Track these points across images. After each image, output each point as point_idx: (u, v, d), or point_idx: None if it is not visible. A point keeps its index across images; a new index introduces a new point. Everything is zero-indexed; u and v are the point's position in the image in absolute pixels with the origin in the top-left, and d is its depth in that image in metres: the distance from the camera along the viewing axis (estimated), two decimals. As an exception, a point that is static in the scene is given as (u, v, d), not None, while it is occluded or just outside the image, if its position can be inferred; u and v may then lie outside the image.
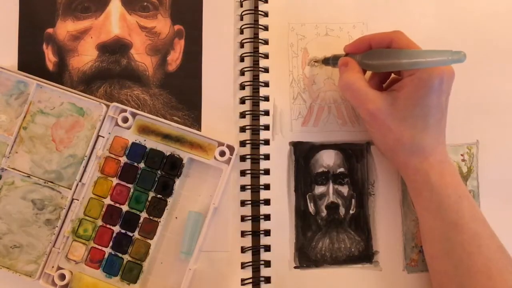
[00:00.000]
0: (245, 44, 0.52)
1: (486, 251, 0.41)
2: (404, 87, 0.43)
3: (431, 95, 0.42)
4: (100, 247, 0.48)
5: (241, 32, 0.52)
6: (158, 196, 0.48)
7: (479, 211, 0.43)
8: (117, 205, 0.48)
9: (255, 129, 0.51)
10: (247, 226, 0.50)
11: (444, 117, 0.44)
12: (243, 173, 0.50)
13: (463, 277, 0.41)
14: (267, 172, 0.50)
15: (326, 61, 0.49)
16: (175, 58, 0.52)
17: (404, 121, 0.43)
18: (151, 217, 0.48)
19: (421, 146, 0.43)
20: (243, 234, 0.49)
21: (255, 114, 0.51)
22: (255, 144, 0.50)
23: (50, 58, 0.52)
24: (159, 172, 0.49)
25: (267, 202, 0.49)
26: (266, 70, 0.51)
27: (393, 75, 0.48)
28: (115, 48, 0.52)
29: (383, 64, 0.42)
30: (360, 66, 0.45)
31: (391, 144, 0.44)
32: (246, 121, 0.51)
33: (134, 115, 0.49)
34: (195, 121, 0.51)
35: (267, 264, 0.49)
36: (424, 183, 0.43)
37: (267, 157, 0.50)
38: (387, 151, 0.46)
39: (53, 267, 0.48)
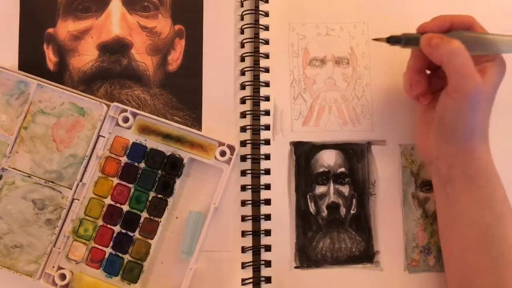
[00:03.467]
0: (245, 44, 0.52)
1: None
2: (487, 73, 0.42)
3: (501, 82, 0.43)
4: (100, 247, 0.48)
5: (242, 32, 0.52)
6: (159, 196, 0.48)
7: None
8: (118, 205, 0.48)
9: (256, 129, 0.51)
10: (248, 226, 0.49)
11: None
12: (243, 173, 0.50)
13: (502, 271, 0.40)
14: (267, 172, 0.50)
15: (394, 40, 0.45)
16: (175, 58, 0.52)
17: (489, 105, 0.43)
18: (151, 217, 0.48)
19: (487, 134, 0.44)
20: (243, 234, 0.49)
21: (256, 114, 0.51)
22: (256, 144, 0.50)
23: (51, 58, 0.52)
24: (159, 172, 0.49)
25: (267, 202, 0.49)
26: (267, 70, 0.51)
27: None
28: (115, 48, 0.52)
29: (476, 45, 0.42)
30: None
31: (474, 126, 0.42)
32: (247, 121, 0.51)
33: (134, 115, 0.49)
34: (196, 121, 0.51)
35: (268, 264, 0.49)
36: (485, 171, 0.43)
37: (267, 157, 0.50)
38: (462, 134, 0.43)
39: (53, 267, 0.48)
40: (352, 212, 0.50)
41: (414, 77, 0.46)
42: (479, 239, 0.42)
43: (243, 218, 0.49)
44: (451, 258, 0.45)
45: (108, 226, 0.48)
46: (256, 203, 0.50)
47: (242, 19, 0.52)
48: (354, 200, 0.50)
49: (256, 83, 0.51)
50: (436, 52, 0.42)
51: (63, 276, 0.47)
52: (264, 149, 0.50)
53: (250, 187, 0.50)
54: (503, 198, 0.43)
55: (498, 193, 0.42)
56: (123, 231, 0.48)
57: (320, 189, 0.50)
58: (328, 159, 0.50)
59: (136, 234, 0.48)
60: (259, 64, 0.52)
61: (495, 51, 0.42)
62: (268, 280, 0.49)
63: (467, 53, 0.41)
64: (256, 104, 0.51)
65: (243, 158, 0.50)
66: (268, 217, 0.49)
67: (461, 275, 0.43)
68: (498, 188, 0.43)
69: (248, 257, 0.49)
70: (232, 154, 0.48)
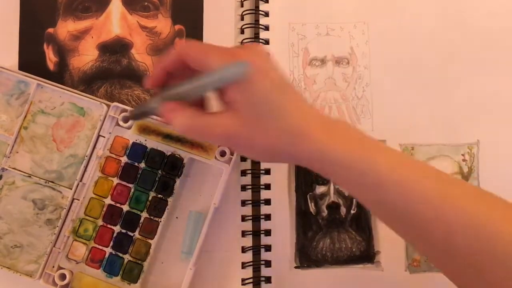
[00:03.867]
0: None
1: None
2: (234, 103, 0.37)
3: (264, 94, 0.36)
4: (100, 247, 0.48)
5: (242, 32, 0.52)
6: (159, 196, 0.48)
7: None
8: (118, 205, 0.48)
9: (256, 129, 0.51)
10: (248, 226, 0.49)
11: None
12: (243, 172, 0.50)
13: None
14: (267, 172, 0.50)
15: (135, 117, 0.44)
16: (175, 58, 0.52)
17: (249, 131, 0.37)
18: (151, 217, 0.48)
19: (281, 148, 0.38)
20: (243, 234, 0.49)
21: (256, 114, 0.51)
22: (256, 144, 0.50)
23: (51, 58, 0.52)
24: (159, 172, 0.49)
25: (267, 202, 0.49)
26: (267, 70, 0.51)
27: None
28: (115, 48, 0.52)
29: (188, 92, 0.37)
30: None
31: (257, 157, 0.42)
32: (247, 121, 0.51)
33: (134, 115, 0.49)
34: (196, 121, 0.51)
35: (268, 264, 0.49)
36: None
37: (267, 157, 0.50)
38: (276, 151, 0.38)
39: (53, 267, 0.48)
40: (352, 212, 0.50)
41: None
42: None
43: (243, 218, 0.49)
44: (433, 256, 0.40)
45: (108, 226, 0.48)
46: (256, 203, 0.50)
47: (242, 19, 0.52)
48: (354, 200, 0.50)
49: (256, 83, 0.51)
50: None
51: (63, 276, 0.47)
52: (264, 149, 0.50)
53: (250, 187, 0.50)
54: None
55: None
56: (123, 231, 0.48)
57: (320, 189, 0.50)
58: (328, 159, 0.50)
59: (136, 234, 0.48)
60: (259, 64, 0.51)
61: (204, 92, 0.38)
62: (268, 280, 0.48)
63: (188, 121, 0.37)
64: (256, 104, 0.51)
65: (243, 158, 0.50)
66: (268, 217, 0.49)
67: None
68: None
69: (248, 257, 0.49)
70: (232, 154, 0.48)
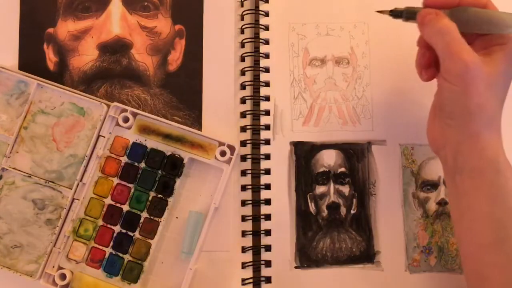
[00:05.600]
0: (245, 44, 0.52)
1: None
2: (494, 54, 0.40)
3: None
4: (100, 247, 0.48)
5: (242, 31, 0.52)
6: (159, 196, 0.48)
7: None
8: (118, 205, 0.48)
9: (256, 129, 0.51)
10: (248, 226, 0.49)
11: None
12: (243, 173, 0.50)
13: None
14: (267, 172, 0.50)
15: (397, 13, 0.43)
16: (175, 58, 0.52)
17: (492, 88, 0.39)
18: (151, 217, 0.48)
19: (497, 120, 0.40)
20: (243, 234, 0.49)
21: (256, 114, 0.51)
22: (256, 144, 0.50)
23: (51, 58, 0.52)
24: (159, 172, 0.49)
25: (267, 202, 0.49)
26: (267, 70, 0.51)
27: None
28: (115, 48, 0.52)
29: (483, 21, 0.40)
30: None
31: (471, 109, 0.39)
32: (247, 121, 0.51)
33: (134, 115, 0.49)
34: (196, 121, 0.51)
35: (268, 264, 0.49)
36: (491, 162, 0.40)
37: (267, 157, 0.50)
38: (460, 117, 0.40)
39: (53, 267, 0.48)
40: (352, 212, 0.50)
41: (421, 49, 0.44)
42: (492, 235, 0.39)
43: (243, 218, 0.49)
44: (466, 252, 0.42)
45: (108, 226, 0.48)
46: (256, 203, 0.50)
47: (242, 19, 0.52)
48: (354, 200, 0.50)
49: (256, 83, 0.51)
50: (426, 31, 0.41)
51: (63, 276, 0.47)
52: (264, 149, 0.50)
53: (250, 187, 0.50)
54: None
55: (509, 187, 0.39)
56: (123, 231, 0.48)
57: (320, 189, 0.50)
58: (328, 159, 0.50)
59: (136, 234, 0.48)
60: (259, 64, 0.52)
61: (503, 31, 0.40)
62: (268, 280, 0.48)
63: (455, 32, 0.39)
64: (256, 104, 0.51)
65: (243, 158, 0.50)
66: (268, 217, 0.49)
67: (477, 270, 0.41)
68: (510, 182, 0.39)
69: (248, 257, 0.49)
70: (232, 154, 0.48)
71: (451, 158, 0.41)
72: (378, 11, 0.44)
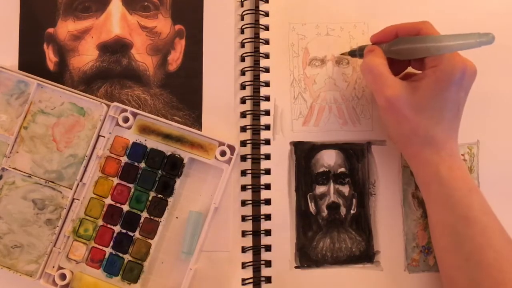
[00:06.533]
0: (245, 44, 0.52)
1: (496, 245, 0.41)
2: (425, 78, 0.43)
3: (451, 88, 0.42)
4: (100, 247, 0.48)
5: (242, 32, 0.52)
6: (159, 196, 0.48)
7: (488, 205, 0.43)
8: (118, 205, 0.48)
9: (256, 129, 0.51)
10: (248, 226, 0.49)
11: (459, 113, 0.45)
12: (243, 173, 0.50)
13: (474, 271, 0.41)
14: (267, 172, 0.50)
15: (353, 53, 0.49)
16: (175, 58, 0.52)
17: (421, 112, 0.43)
18: (151, 217, 0.48)
19: (435, 138, 0.43)
20: (243, 234, 0.49)
21: (256, 114, 0.51)
22: (256, 144, 0.50)
23: (51, 58, 0.52)
24: (159, 172, 0.49)
25: (267, 202, 0.49)
26: (267, 70, 0.51)
27: (409, 68, 0.48)
28: (115, 48, 0.51)
29: (410, 49, 0.43)
30: (384, 54, 0.45)
31: (406, 133, 0.44)
32: (247, 121, 0.51)
33: (134, 115, 0.49)
34: (196, 121, 0.51)
35: (268, 264, 0.49)
36: (434, 176, 0.43)
37: (267, 157, 0.50)
38: (400, 141, 0.46)
39: (53, 267, 0.48)
40: (352, 212, 0.50)
41: None
42: (448, 240, 0.43)
43: (243, 218, 0.49)
44: (436, 256, 0.46)
45: (108, 226, 0.48)
46: (256, 203, 0.50)
47: (242, 19, 0.52)
48: (354, 200, 0.50)
49: (256, 83, 0.51)
50: (361, 68, 0.47)
51: (63, 276, 0.47)
52: (264, 149, 0.50)
53: (250, 187, 0.50)
54: (463, 201, 0.42)
55: (454, 196, 0.43)
56: (123, 231, 0.48)
57: (320, 189, 0.50)
58: (328, 159, 0.50)
59: (136, 234, 0.48)
60: (259, 64, 0.52)
61: (433, 53, 0.42)
62: (268, 280, 0.49)
63: (379, 67, 0.43)
64: (256, 104, 0.51)
65: (243, 158, 0.50)
66: (268, 217, 0.49)
67: (443, 273, 0.45)
68: (454, 191, 0.43)
69: (248, 257, 0.49)
70: (232, 154, 0.48)
71: (413, 172, 0.47)
72: (341, 54, 0.51)
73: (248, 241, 0.49)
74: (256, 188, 0.50)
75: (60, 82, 0.50)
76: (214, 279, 0.48)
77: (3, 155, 0.49)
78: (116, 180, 0.49)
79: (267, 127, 0.50)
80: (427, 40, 0.42)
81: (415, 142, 0.44)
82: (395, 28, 0.45)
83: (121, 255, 0.48)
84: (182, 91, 0.51)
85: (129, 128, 0.49)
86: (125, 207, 0.48)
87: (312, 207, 0.50)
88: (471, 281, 0.41)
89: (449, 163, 0.43)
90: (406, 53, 0.43)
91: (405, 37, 0.44)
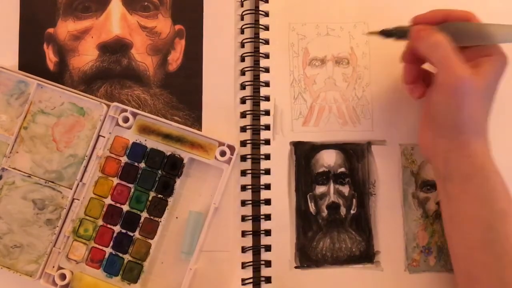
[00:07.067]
0: (245, 44, 0.52)
1: None
2: (483, 66, 0.42)
3: (500, 79, 0.42)
4: (100, 247, 0.48)
5: (242, 32, 0.52)
6: (159, 196, 0.48)
7: None
8: (118, 205, 0.48)
9: (256, 129, 0.51)
10: (248, 226, 0.49)
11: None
12: (243, 173, 0.50)
13: (505, 269, 0.40)
14: (267, 172, 0.50)
15: (388, 32, 0.45)
16: (175, 58, 0.52)
17: (482, 99, 0.41)
18: (151, 217, 0.48)
19: (484, 128, 0.43)
20: (243, 234, 0.49)
21: (256, 114, 0.51)
22: (256, 144, 0.50)
23: (51, 58, 0.52)
24: (159, 172, 0.49)
25: (267, 202, 0.49)
26: (267, 70, 0.51)
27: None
28: (115, 48, 0.52)
29: (470, 36, 0.42)
30: None
31: (461, 119, 0.42)
32: (247, 121, 0.51)
33: (134, 115, 0.49)
34: (196, 121, 0.51)
35: (268, 264, 0.49)
36: (481, 168, 0.42)
37: (267, 157, 0.50)
38: (449, 129, 0.43)
39: (53, 267, 0.48)
40: (352, 212, 0.50)
41: (407, 67, 0.46)
42: (481, 237, 0.41)
43: (243, 218, 0.49)
44: (457, 254, 0.44)
45: (108, 226, 0.48)
46: (256, 203, 0.50)
47: (242, 19, 0.52)
48: (354, 200, 0.50)
49: (256, 83, 0.51)
50: (421, 45, 0.43)
51: (63, 276, 0.47)
52: (264, 149, 0.50)
53: (250, 187, 0.50)
54: (504, 196, 0.41)
55: (498, 191, 0.41)
56: (123, 231, 0.48)
57: (320, 189, 0.50)
58: (328, 159, 0.50)
59: (136, 234, 0.48)
60: (259, 64, 0.52)
61: (490, 41, 0.42)
62: (268, 280, 0.48)
63: (449, 46, 0.41)
64: (256, 104, 0.51)
65: (243, 158, 0.50)
66: (268, 217, 0.49)
67: (468, 271, 0.43)
68: (498, 186, 0.42)
69: (248, 257, 0.49)
70: (232, 154, 0.48)
71: (442, 165, 0.43)
72: (368, 33, 0.47)
73: (248, 241, 0.49)
74: (256, 188, 0.50)
75: (60, 82, 0.50)
76: (214, 279, 0.48)
77: (3, 155, 0.49)
78: (116, 180, 0.49)
79: (267, 127, 0.50)
80: (490, 29, 0.41)
81: (467, 129, 0.42)
82: (444, 13, 0.43)
83: (121, 255, 0.48)
84: (182, 91, 0.51)
85: (129, 128, 0.49)
86: (125, 207, 0.48)
87: (312, 207, 0.50)
88: (500, 281, 0.40)
89: (491, 156, 0.42)
90: (461, 38, 0.42)
91: (454, 23, 0.42)
